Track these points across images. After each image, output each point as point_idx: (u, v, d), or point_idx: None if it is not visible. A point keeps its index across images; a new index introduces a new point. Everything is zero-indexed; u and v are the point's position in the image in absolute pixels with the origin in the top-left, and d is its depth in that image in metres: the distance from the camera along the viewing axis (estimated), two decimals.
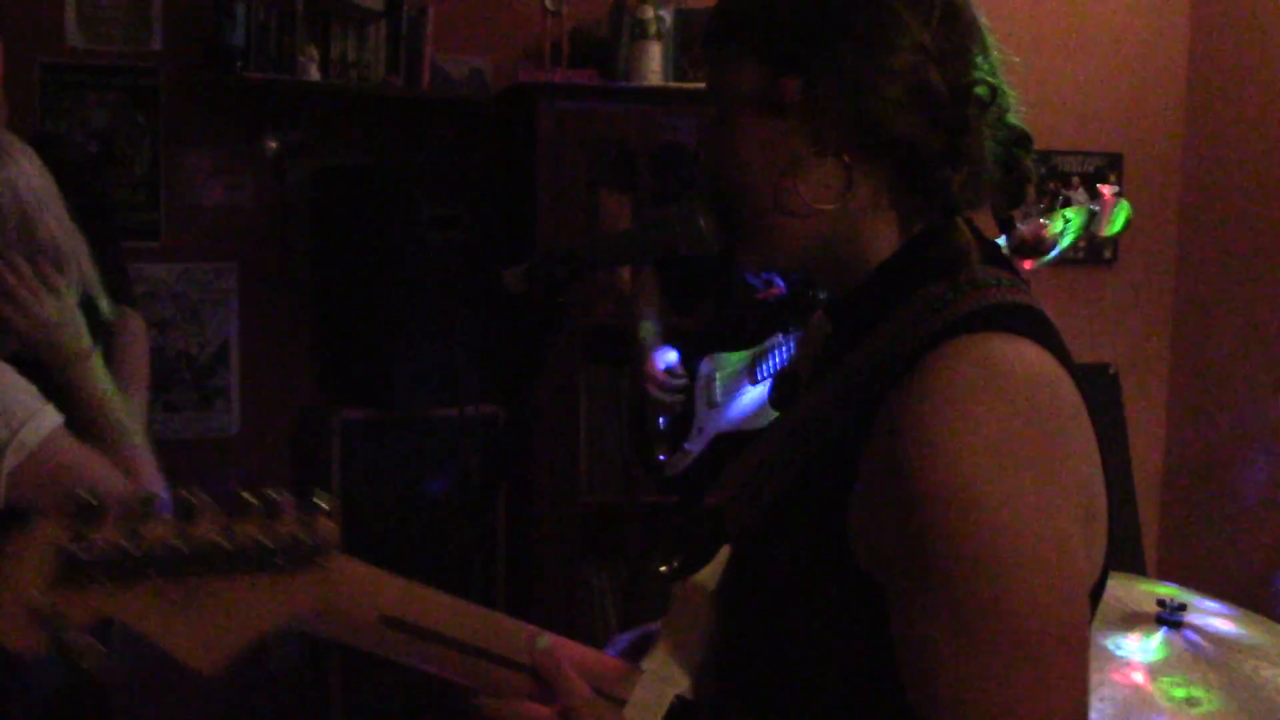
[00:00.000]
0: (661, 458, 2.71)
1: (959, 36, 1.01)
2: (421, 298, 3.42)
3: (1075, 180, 4.29)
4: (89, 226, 2.18)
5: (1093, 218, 2.47)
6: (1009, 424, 0.88)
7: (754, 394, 2.50)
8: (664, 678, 1.05)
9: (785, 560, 1.01)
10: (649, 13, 3.57)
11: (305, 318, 3.74)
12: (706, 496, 1.12)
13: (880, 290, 1.03)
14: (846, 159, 1.00)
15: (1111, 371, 4.01)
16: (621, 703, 1.02)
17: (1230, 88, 4.26)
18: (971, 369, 0.90)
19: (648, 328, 2.76)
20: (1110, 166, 4.35)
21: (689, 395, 2.66)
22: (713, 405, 2.59)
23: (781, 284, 2.49)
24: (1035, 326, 0.96)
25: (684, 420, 2.64)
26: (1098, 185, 2.66)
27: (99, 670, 0.79)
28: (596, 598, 3.64)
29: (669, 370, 2.68)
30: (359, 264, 3.50)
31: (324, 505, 0.86)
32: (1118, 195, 2.53)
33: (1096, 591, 0.97)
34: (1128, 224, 2.53)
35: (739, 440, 2.48)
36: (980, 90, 1.00)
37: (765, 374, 2.47)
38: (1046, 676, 0.87)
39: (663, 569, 1.10)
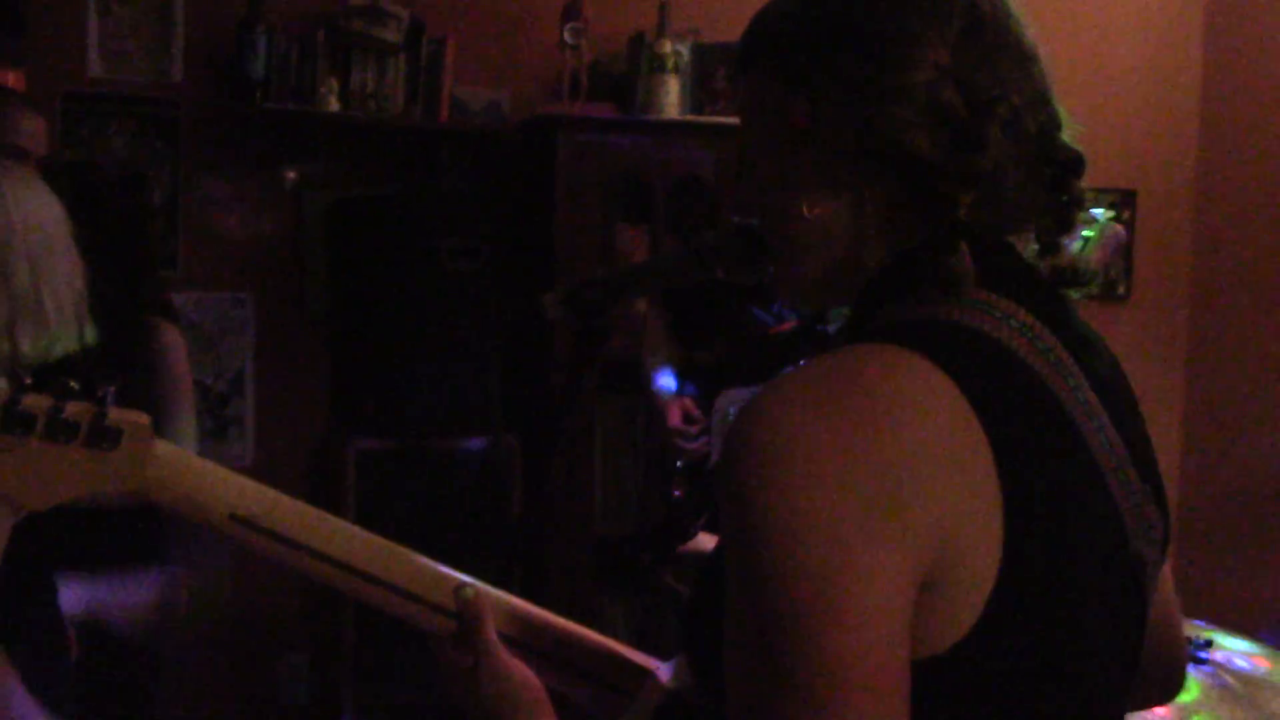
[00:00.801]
0: (676, 493, 2.69)
1: (984, 50, 0.95)
2: (438, 328, 3.43)
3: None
4: (114, 246, 2.22)
5: (1085, 244, 2.48)
6: (827, 439, 0.81)
7: None
8: (666, 679, 1.07)
9: (714, 562, 1.00)
10: (667, 47, 3.59)
11: (321, 348, 3.74)
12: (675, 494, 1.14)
13: (859, 310, 0.99)
14: (861, 181, 0.95)
15: None
16: (625, 693, 1.07)
17: (1242, 124, 4.28)
18: (816, 376, 0.86)
19: (663, 378, 2.76)
20: (1124, 203, 4.36)
21: (704, 430, 2.65)
22: None
23: (792, 318, 2.48)
24: (949, 346, 0.87)
25: (703, 459, 2.63)
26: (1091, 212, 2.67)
27: None
28: (610, 629, 3.62)
29: (687, 416, 2.67)
30: (376, 294, 3.51)
31: (108, 393, 1.01)
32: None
33: (972, 665, 0.84)
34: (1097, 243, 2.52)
35: None
36: (1001, 109, 0.93)
37: None
38: (813, 713, 0.78)
39: (643, 560, 1.14)
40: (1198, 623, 2.18)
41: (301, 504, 1.07)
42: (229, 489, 1.05)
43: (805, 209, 0.97)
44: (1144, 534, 0.96)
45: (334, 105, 3.55)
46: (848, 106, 0.94)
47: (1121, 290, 4.37)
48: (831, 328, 2.38)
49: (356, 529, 1.09)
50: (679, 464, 2.68)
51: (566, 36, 3.64)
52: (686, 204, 3.63)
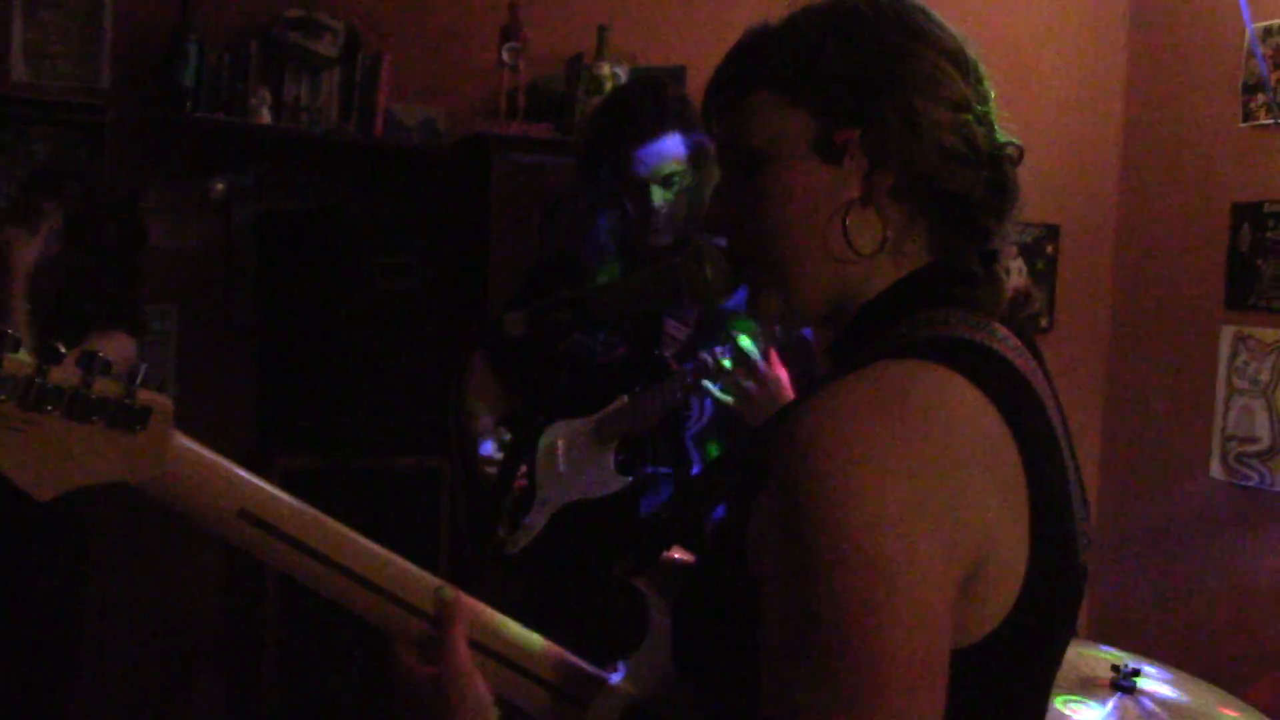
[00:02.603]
0: (500, 530, 2.54)
1: (986, 95, 1.05)
2: (369, 346, 3.38)
3: (1013, 249, 4.38)
4: (102, 262, 2.24)
5: None
6: (889, 445, 0.86)
7: (599, 462, 2.38)
8: (624, 687, 1.09)
9: (707, 573, 1.04)
10: (605, 69, 3.59)
11: (247, 363, 3.67)
12: (665, 504, 1.14)
13: (865, 324, 1.05)
14: (888, 206, 1.02)
15: None
16: (578, 703, 1.07)
17: (1162, 163, 4.40)
18: (871, 388, 0.90)
19: (484, 420, 2.61)
20: (1048, 237, 4.45)
21: (531, 469, 2.47)
22: (556, 475, 2.43)
23: (621, 345, 2.40)
24: (977, 364, 0.95)
25: (525, 496, 2.47)
26: None
27: None
28: None
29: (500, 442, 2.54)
30: (305, 310, 3.45)
31: (139, 376, 0.94)
32: None
33: (1003, 653, 0.92)
34: None
35: (586, 510, 2.37)
36: (1010, 150, 1.05)
37: (609, 438, 2.36)
38: (856, 702, 0.83)
39: (615, 572, 1.13)
40: (1124, 653, 2.21)
41: (295, 500, 1.03)
42: (236, 484, 1.00)
43: (844, 229, 1.01)
44: (1085, 547, 1.04)
45: (266, 117, 3.49)
46: (896, 139, 1.00)
47: (1045, 323, 4.46)
48: (668, 354, 2.33)
49: (343, 528, 1.05)
50: (507, 501, 2.52)
51: (504, 56, 3.63)
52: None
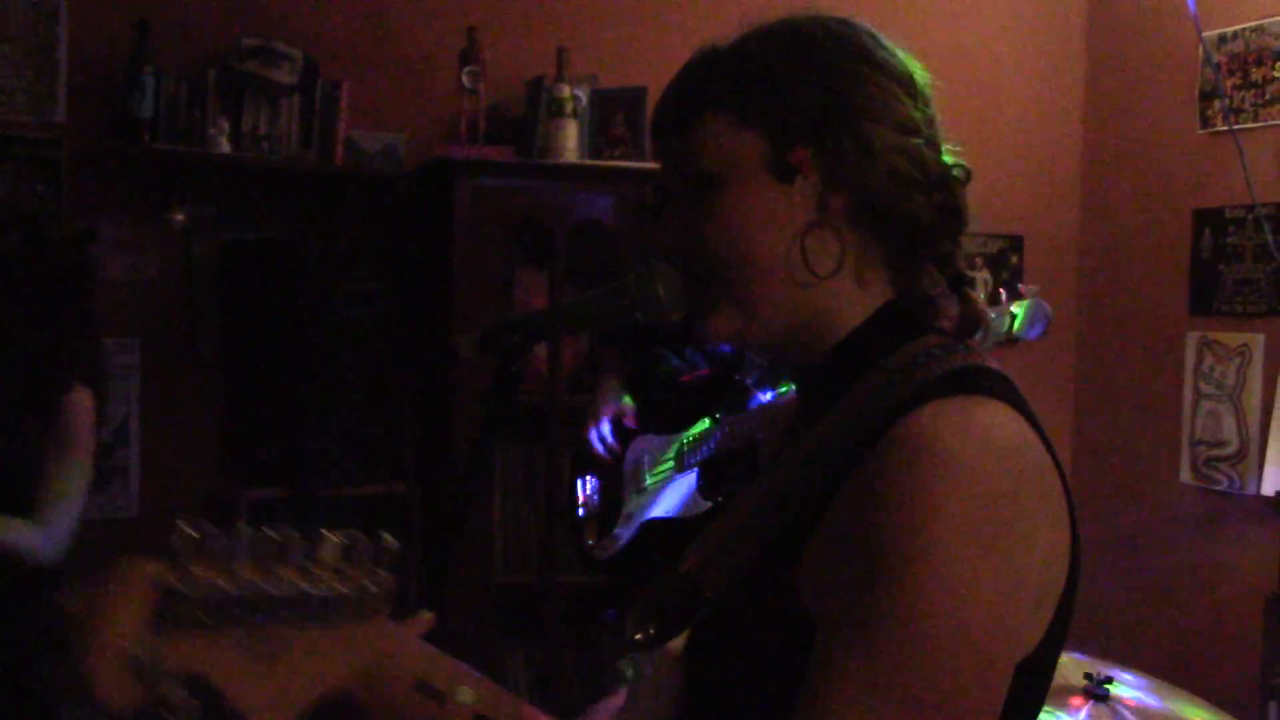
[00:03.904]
0: (589, 542, 2.61)
1: (933, 118, 1.06)
2: (333, 375, 3.36)
3: (979, 260, 4.40)
4: (48, 302, 2.22)
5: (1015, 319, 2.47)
6: (985, 499, 0.88)
7: (682, 482, 2.43)
8: None
9: (744, 619, 1.01)
10: (566, 91, 3.59)
11: (211, 395, 3.63)
12: (681, 563, 1.10)
13: (852, 355, 1.04)
14: (844, 229, 1.02)
15: None
16: None
17: (1122, 175, 4.43)
18: (953, 436, 0.90)
19: (612, 384, 2.63)
20: (1012, 248, 4.47)
21: (616, 478, 2.56)
22: (641, 491, 2.50)
23: (705, 366, 2.43)
24: (1007, 390, 0.97)
25: (613, 505, 2.56)
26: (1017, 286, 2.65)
27: None
28: (511, 679, 3.56)
29: (618, 417, 2.57)
30: (269, 340, 3.42)
31: (394, 548, 0.81)
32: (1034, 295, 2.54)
33: (1039, 664, 0.96)
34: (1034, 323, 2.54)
35: (669, 529, 2.40)
36: (958, 172, 1.05)
37: (693, 462, 2.40)
38: None
39: (638, 637, 1.08)
40: (1097, 660, 2.21)
41: (451, 658, 0.92)
42: (415, 652, 0.89)
43: (801, 250, 1.02)
44: None
45: (225, 147, 3.47)
46: (850, 159, 1.01)
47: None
48: (750, 379, 2.35)
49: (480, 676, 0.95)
50: (581, 514, 2.61)
51: (464, 80, 3.62)
52: (586, 248, 3.62)
